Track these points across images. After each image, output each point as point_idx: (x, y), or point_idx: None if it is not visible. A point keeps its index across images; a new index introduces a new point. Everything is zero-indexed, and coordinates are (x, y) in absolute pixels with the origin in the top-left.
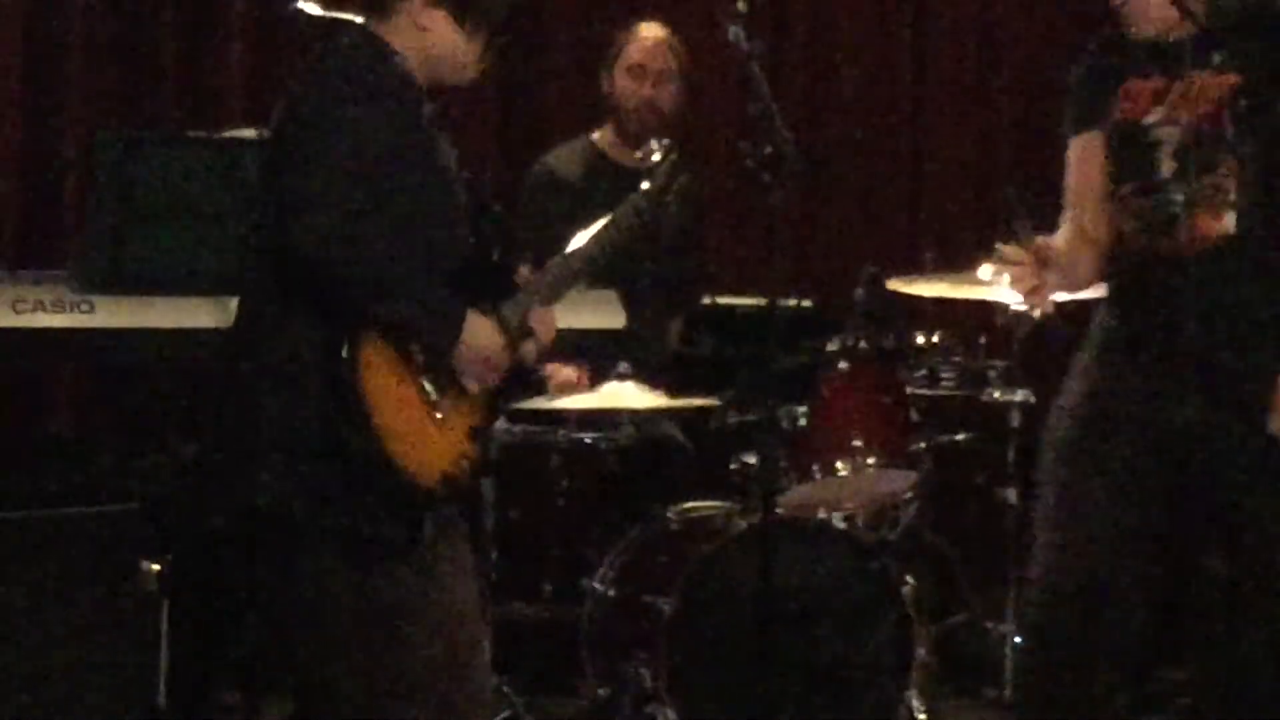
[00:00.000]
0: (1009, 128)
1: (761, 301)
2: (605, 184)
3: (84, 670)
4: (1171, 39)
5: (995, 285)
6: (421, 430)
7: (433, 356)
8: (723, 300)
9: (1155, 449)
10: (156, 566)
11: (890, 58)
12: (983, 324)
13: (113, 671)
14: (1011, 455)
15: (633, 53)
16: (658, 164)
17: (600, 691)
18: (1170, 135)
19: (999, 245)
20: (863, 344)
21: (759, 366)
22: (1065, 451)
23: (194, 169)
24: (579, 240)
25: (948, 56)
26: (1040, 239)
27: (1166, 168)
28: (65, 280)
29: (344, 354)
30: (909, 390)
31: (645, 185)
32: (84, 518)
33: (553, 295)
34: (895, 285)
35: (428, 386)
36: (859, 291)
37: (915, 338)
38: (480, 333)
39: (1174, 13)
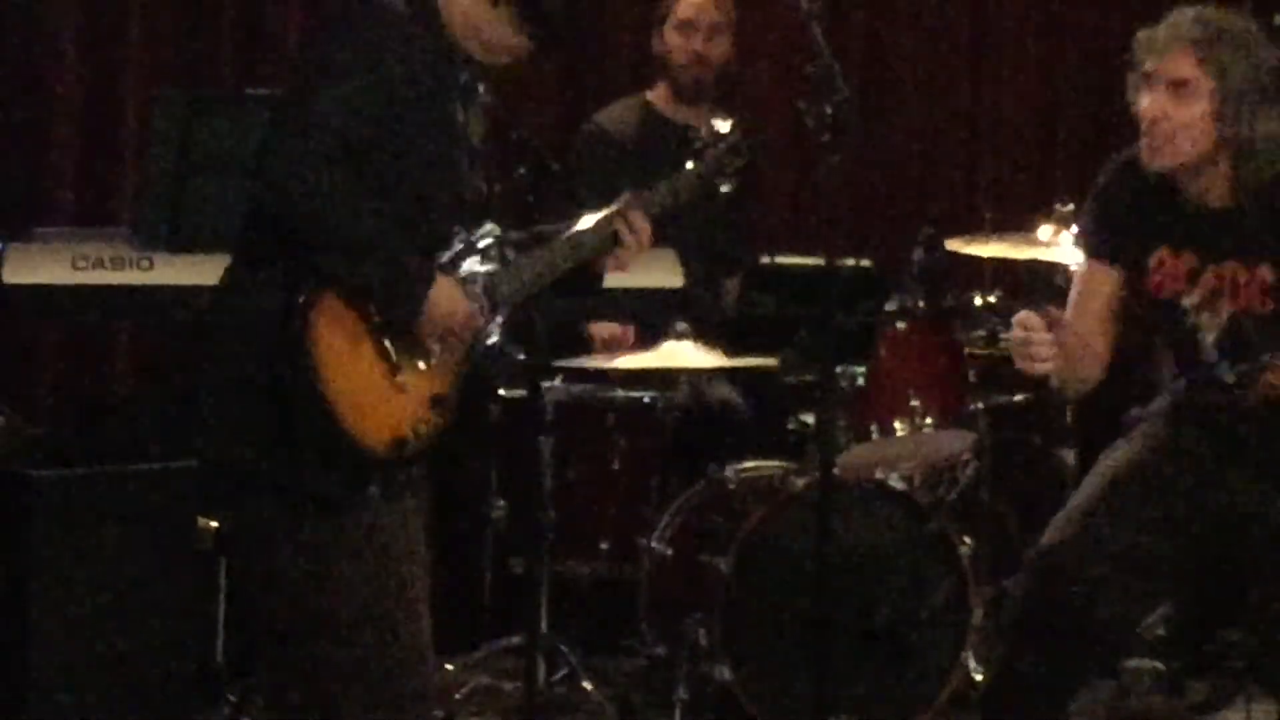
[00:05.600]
0: (1069, 87)
1: (820, 261)
2: (659, 141)
3: (142, 627)
4: (1196, 205)
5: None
6: (374, 392)
7: (390, 321)
8: (781, 260)
9: (1194, 515)
10: (214, 524)
11: (950, 15)
12: (1041, 284)
13: (170, 629)
14: (1069, 416)
15: (682, 8)
16: (721, 138)
17: (656, 650)
18: (1210, 324)
19: (1018, 316)
20: (921, 304)
21: (817, 326)
22: (1117, 472)
23: (253, 127)
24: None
25: (1008, 14)
26: (1054, 313)
27: (1209, 353)
28: (125, 238)
29: (297, 308)
30: (967, 350)
31: (704, 159)
32: (142, 475)
33: (576, 256)
34: (953, 245)
35: (389, 349)
36: (917, 251)
37: (973, 298)
38: (444, 299)
39: (1195, 159)
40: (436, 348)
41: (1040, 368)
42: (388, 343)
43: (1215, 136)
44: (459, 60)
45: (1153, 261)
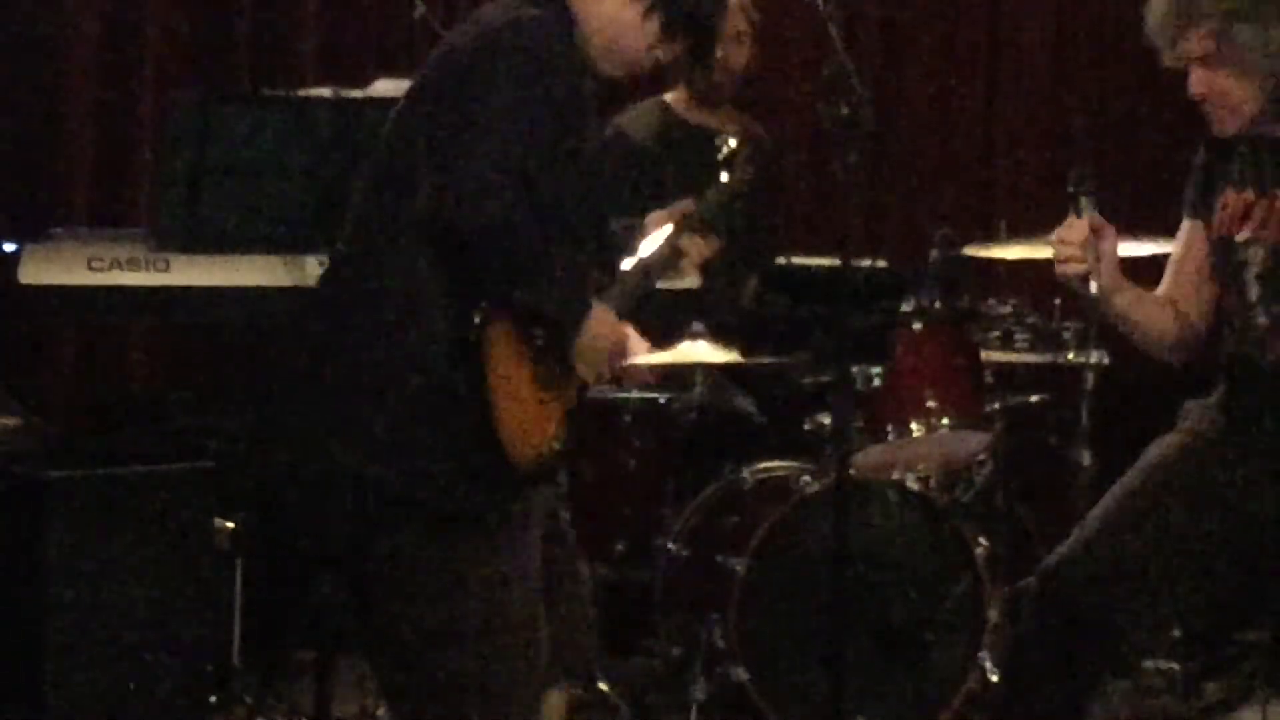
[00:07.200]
0: (1085, 89)
1: (836, 262)
2: (678, 144)
3: (158, 628)
4: (1256, 141)
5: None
6: (526, 412)
7: (556, 345)
8: (798, 260)
9: (1226, 526)
10: (231, 525)
11: (965, 18)
12: (1057, 286)
13: (187, 629)
14: (1085, 417)
15: None
16: (731, 155)
17: (672, 651)
18: (1255, 257)
19: (1061, 227)
20: (937, 305)
21: (833, 327)
22: (1151, 472)
23: (269, 128)
24: (654, 241)
25: (1023, 17)
26: (1098, 219)
27: (1253, 291)
28: (141, 238)
29: (475, 328)
30: (983, 352)
31: (724, 178)
32: (158, 476)
33: (644, 284)
34: (970, 249)
35: (542, 370)
36: (933, 253)
37: (989, 300)
38: (605, 326)
39: (1258, 112)
40: (584, 369)
41: (1070, 269)
42: (542, 364)
43: (1258, 81)
44: (586, 70)
45: (1219, 204)
